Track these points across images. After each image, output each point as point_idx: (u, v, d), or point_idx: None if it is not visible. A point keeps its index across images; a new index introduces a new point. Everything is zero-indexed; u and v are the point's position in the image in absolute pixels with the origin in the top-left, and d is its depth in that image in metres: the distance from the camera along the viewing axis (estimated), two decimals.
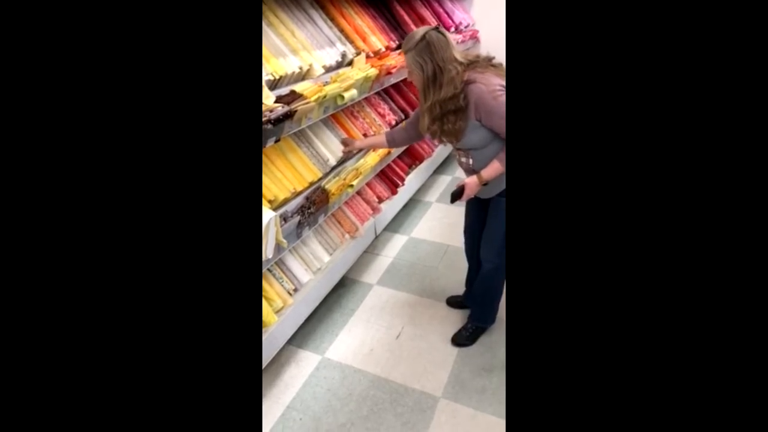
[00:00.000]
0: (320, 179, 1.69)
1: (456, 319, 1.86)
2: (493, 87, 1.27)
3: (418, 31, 1.30)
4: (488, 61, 1.35)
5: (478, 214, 1.60)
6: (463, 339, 1.76)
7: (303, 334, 1.82)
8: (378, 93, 2.35)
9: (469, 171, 1.45)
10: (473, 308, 1.79)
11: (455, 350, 1.74)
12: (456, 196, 1.44)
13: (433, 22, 2.83)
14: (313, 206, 1.58)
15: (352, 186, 1.82)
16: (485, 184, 1.41)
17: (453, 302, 1.96)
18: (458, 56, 1.31)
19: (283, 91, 1.41)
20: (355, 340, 1.81)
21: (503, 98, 1.28)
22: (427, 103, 1.34)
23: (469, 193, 1.42)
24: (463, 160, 1.46)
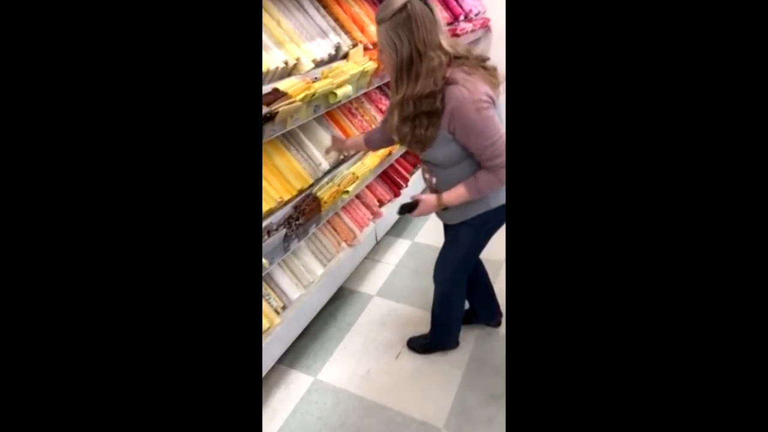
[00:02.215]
0: (311, 186, 1.53)
1: (461, 337, 1.70)
2: (478, 95, 1.01)
3: None
4: (480, 61, 1.08)
5: None
6: (416, 345, 1.68)
7: (294, 352, 1.68)
8: (379, 87, 2.17)
9: (432, 190, 1.25)
10: (432, 326, 1.65)
11: (459, 373, 1.58)
12: (405, 209, 1.24)
13: (441, 8, 2.64)
14: (302, 217, 1.43)
15: (347, 192, 1.66)
16: (445, 209, 1.21)
17: None
18: (444, 42, 1.03)
19: (266, 89, 1.25)
20: (350, 360, 1.67)
21: (489, 113, 1.02)
22: (398, 96, 1.06)
23: (422, 212, 1.23)
24: (427, 176, 1.25)
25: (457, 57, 1.05)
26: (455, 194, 1.16)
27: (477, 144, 1.05)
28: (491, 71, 1.07)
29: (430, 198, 1.21)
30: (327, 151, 1.60)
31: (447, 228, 1.38)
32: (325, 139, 1.68)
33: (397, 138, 1.14)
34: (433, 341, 1.66)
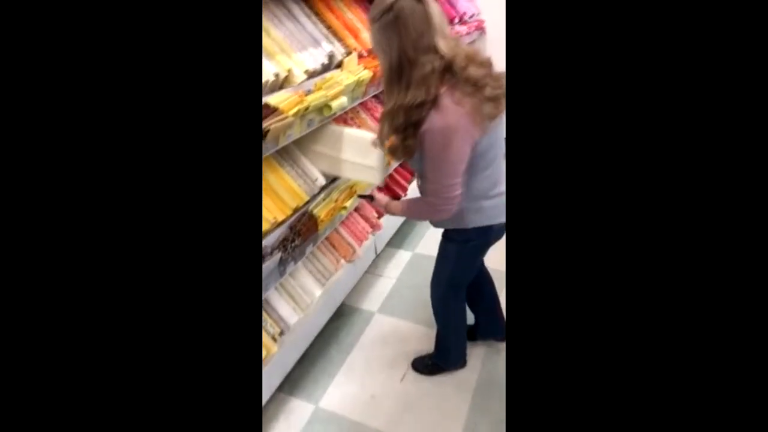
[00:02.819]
0: (307, 203, 1.45)
1: (468, 355, 1.61)
2: (451, 133, 0.92)
3: None
4: (477, 88, 0.92)
5: None
6: (421, 366, 1.60)
7: (294, 378, 1.60)
8: (375, 96, 2.09)
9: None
10: (435, 345, 1.58)
11: (468, 396, 1.50)
12: (363, 197, 1.37)
13: None
14: (299, 237, 1.34)
15: (345, 208, 1.58)
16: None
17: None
18: (441, 45, 0.91)
19: None
20: (353, 385, 1.58)
21: (452, 157, 0.95)
22: (390, 104, 0.97)
23: (376, 205, 1.30)
24: (415, 176, 1.26)
25: (452, 71, 0.93)
26: (398, 205, 1.20)
27: (429, 173, 1.01)
28: (486, 102, 0.94)
29: (382, 198, 1.27)
30: (374, 144, 1.43)
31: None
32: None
33: (388, 150, 1.07)
34: (438, 362, 1.59)
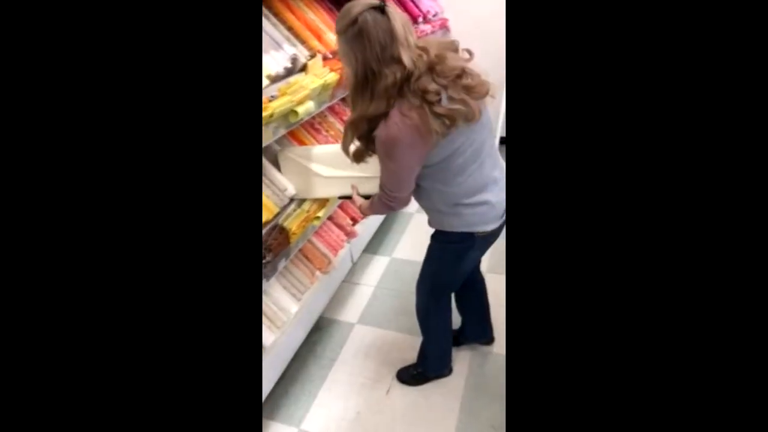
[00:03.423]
0: (277, 215, 1.36)
1: (454, 360, 1.57)
2: (393, 144, 0.94)
3: (354, 6, 0.90)
4: (422, 98, 0.90)
5: None
6: (406, 376, 1.56)
7: (273, 399, 1.51)
8: (343, 99, 2.01)
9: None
10: (419, 352, 1.55)
11: (457, 404, 1.46)
12: (344, 197, 1.40)
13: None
14: (270, 254, 1.26)
15: (318, 218, 1.50)
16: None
17: None
18: (404, 56, 0.90)
19: None
20: (337, 402, 1.51)
21: (391, 166, 0.99)
22: (355, 114, 0.99)
23: (352, 203, 1.33)
24: None
25: (407, 80, 0.91)
26: (365, 202, 1.24)
27: (380, 173, 1.05)
28: (434, 117, 0.91)
29: (358, 198, 1.29)
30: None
31: None
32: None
33: (353, 155, 1.08)
34: (423, 370, 1.54)
